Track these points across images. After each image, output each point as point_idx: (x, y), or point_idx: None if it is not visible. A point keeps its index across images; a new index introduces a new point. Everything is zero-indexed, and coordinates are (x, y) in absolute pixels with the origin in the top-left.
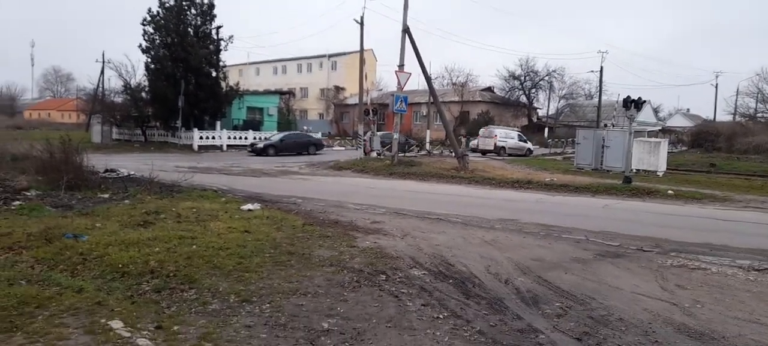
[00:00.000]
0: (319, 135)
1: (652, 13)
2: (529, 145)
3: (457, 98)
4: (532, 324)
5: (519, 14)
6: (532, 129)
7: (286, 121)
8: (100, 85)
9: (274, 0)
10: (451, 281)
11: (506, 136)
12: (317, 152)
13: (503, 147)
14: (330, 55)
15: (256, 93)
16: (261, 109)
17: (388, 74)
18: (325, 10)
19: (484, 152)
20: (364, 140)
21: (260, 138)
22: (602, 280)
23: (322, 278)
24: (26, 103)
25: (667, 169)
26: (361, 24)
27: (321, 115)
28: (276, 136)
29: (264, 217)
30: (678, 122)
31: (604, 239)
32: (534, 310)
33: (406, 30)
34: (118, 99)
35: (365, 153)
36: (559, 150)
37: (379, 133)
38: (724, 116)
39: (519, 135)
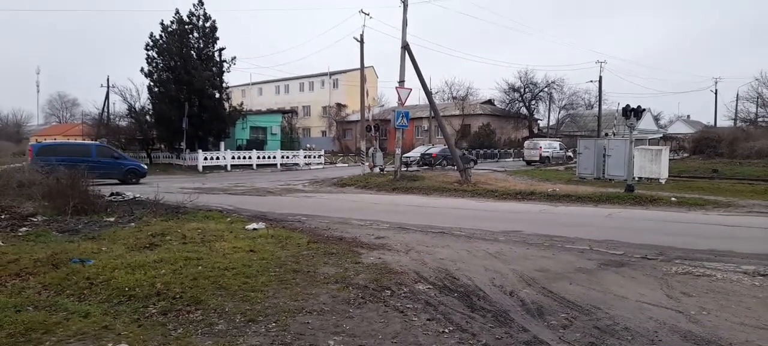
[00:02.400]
0: (321, 151)
1: (650, 22)
2: (569, 152)
3: (457, 112)
4: (538, 336)
5: (518, 28)
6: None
7: (289, 139)
8: (105, 110)
9: (275, 21)
10: (455, 294)
11: (549, 146)
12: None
13: (548, 157)
14: (331, 73)
15: (259, 113)
16: (264, 129)
17: (389, 90)
18: (326, 29)
19: (529, 162)
20: (368, 157)
21: (264, 156)
22: (607, 289)
23: (327, 296)
24: (32, 129)
25: (669, 176)
26: (361, 42)
27: (324, 133)
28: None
29: (269, 236)
30: (679, 129)
31: (607, 248)
32: (539, 321)
33: (405, 46)
34: (123, 123)
35: (369, 169)
36: (561, 160)
37: (437, 147)
38: (724, 122)
39: (560, 144)
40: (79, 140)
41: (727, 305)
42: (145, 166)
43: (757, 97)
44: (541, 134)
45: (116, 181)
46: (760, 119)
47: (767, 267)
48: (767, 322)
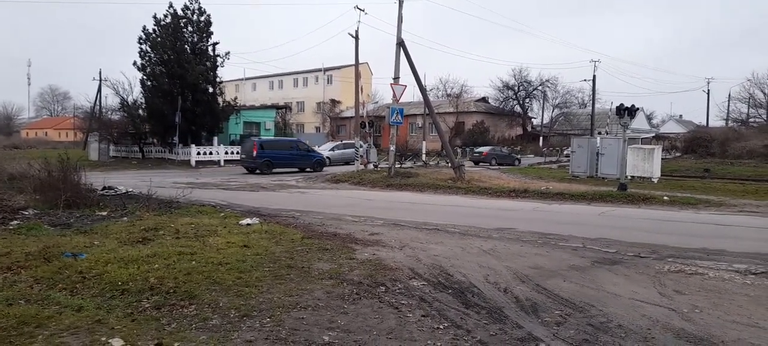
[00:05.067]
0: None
1: (644, 22)
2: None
3: (452, 109)
4: (532, 333)
5: (513, 26)
6: (527, 138)
7: (283, 135)
8: (97, 103)
9: (269, 16)
10: (450, 291)
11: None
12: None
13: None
14: (325, 69)
15: (252, 108)
16: (258, 124)
17: (384, 87)
18: (321, 25)
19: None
20: (361, 154)
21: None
22: (600, 287)
23: (321, 291)
24: (23, 122)
25: (661, 175)
26: (356, 38)
27: (318, 129)
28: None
29: (263, 231)
30: (671, 129)
31: (601, 246)
32: (533, 318)
33: (400, 43)
34: (115, 116)
35: (362, 165)
36: (554, 159)
37: (486, 147)
38: (716, 122)
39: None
40: (253, 137)
41: (719, 303)
42: (329, 160)
43: (749, 98)
44: (535, 133)
45: (309, 169)
46: (751, 120)
47: (758, 266)
48: (758, 320)
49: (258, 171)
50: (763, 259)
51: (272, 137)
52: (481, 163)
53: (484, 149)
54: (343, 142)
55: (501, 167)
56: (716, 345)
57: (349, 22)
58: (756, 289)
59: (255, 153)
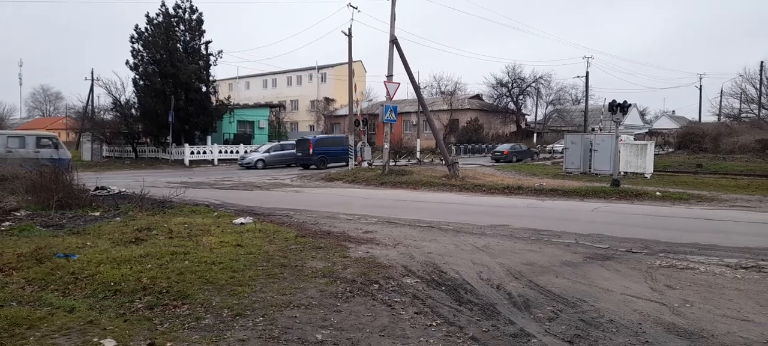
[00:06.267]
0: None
1: (636, 18)
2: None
3: (446, 107)
4: (525, 329)
5: (507, 23)
6: (521, 135)
7: (276, 134)
8: (90, 103)
9: (262, 14)
10: (443, 288)
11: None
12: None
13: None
14: (319, 67)
15: (246, 107)
16: (251, 123)
17: (378, 85)
18: (314, 23)
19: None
20: (356, 151)
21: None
22: (593, 282)
23: (315, 290)
24: (15, 122)
25: (654, 170)
26: (349, 36)
27: (312, 127)
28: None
29: (256, 230)
30: (664, 124)
31: (593, 242)
32: (526, 314)
33: (393, 41)
34: (108, 116)
35: (357, 163)
36: (547, 155)
37: (507, 145)
38: (709, 117)
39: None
40: (308, 137)
41: (710, 298)
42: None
43: (741, 93)
44: (529, 130)
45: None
46: (743, 115)
47: (749, 260)
48: (748, 313)
49: (313, 166)
50: (754, 253)
51: (323, 136)
52: (501, 161)
53: (505, 148)
54: (281, 142)
55: (520, 163)
56: (706, 339)
57: (342, 20)
58: (746, 283)
59: (311, 151)
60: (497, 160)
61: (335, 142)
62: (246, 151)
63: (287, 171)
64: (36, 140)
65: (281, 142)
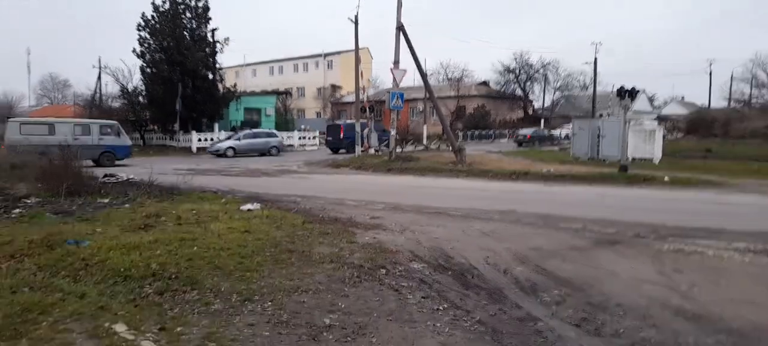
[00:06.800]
0: (316, 132)
1: (646, 3)
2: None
3: (453, 93)
4: (531, 312)
5: (514, 8)
6: (528, 121)
7: (283, 120)
8: (97, 91)
9: (268, 1)
10: (450, 273)
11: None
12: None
13: None
14: (325, 54)
15: (253, 94)
16: (258, 110)
17: (384, 71)
18: (320, 8)
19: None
20: (362, 137)
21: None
22: (600, 266)
23: (322, 275)
24: (24, 110)
25: (663, 156)
26: (356, 23)
27: (318, 114)
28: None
29: (264, 216)
30: (673, 110)
31: (601, 227)
32: (533, 298)
33: (400, 27)
34: (116, 104)
35: (363, 150)
36: (555, 141)
37: (530, 129)
38: (719, 103)
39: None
40: (338, 122)
41: (718, 281)
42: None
43: (752, 78)
44: (536, 116)
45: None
46: (754, 100)
47: (758, 244)
48: (755, 297)
49: (343, 150)
50: (763, 237)
51: (352, 122)
52: (524, 144)
53: (528, 132)
54: (253, 130)
55: (543, 146)
56: (714, 322)
57: (349, 6)
58: (755, 267)
59: (342, 135)
60: (520, 144)
61: (350, 128)
62: (219, 139)
63: (267, 160)
64: (99, 128)
65: (254, 130)
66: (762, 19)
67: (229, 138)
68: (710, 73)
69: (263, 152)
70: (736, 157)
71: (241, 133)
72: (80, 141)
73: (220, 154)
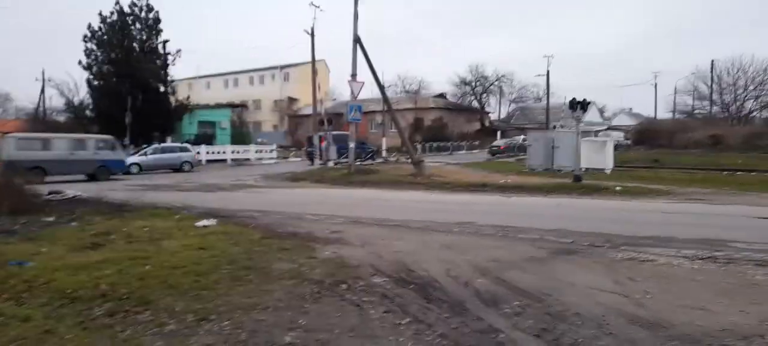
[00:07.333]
0: (273, 146)
1: (595, 16)
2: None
3: (411, 105)
4: (493, 324)
5: (471, 21)
6: (485, 133)
7: (239, 134)
8: (41, 105)
9: (223, 12)
10: (412, 286)
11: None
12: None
13: None
14: (282, 67)
15: (207, 107)
16: (213, 123)
17: (342, 84)
18: (276, 21)
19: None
20: (319, 150)
21: (214, 152)
22: (558, 277)
23: (282, 292)
24: None
25: (614, 166)
26: (312, 35)
27: (275, 127)
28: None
29: (220, 232)
30: (622, 121)
31: (558, 237)
32: (494, 310)
33: (357, 40)
34: (61, 118)
35: (322, 162)
36: (511, 153)
37: (503, 141)
38: (664, 114)
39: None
40: (321, 133)
41: (669, 288)
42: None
43: (694, 90)
44: (493, 128)
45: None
46: (696, 111)
47: (705, 251)
48: (705, 303)
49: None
50: (710, 244)
51: (338, 133)
52: (498, 156)
53: (501, 143)
54: (163, 145)
55: (521, 156)
56: (666, 329)
57: (305, 19)
58: (703, 273)
59: (322, 146)
60: (494, 155)
61: (341, 139)
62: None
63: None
64: (95, 143)
65: (163, 145)
66: (702, 33)
67: (135, 153)
68: (655, 86)
69: (175, 168)
70: (682, 166)
71: (149, 149)
72: (76, 156)
73: (125, 172)
